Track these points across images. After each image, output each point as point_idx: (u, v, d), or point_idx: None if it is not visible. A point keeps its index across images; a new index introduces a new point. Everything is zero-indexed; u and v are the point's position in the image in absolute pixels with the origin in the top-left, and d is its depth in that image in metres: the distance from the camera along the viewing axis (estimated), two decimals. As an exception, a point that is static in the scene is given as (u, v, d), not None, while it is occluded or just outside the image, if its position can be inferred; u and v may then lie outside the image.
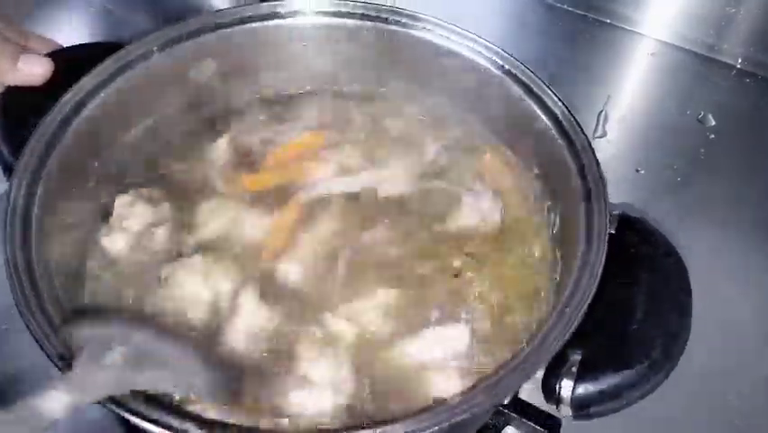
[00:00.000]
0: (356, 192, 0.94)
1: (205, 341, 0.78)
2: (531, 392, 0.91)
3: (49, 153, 0.82)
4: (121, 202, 0.89)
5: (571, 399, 0.72)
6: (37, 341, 0.67)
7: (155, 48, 0.94)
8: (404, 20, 0.98)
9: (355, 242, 0.89)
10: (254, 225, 0.90)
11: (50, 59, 0.94)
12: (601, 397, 0.72)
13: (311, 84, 1.08)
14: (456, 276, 0.85)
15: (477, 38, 0.96)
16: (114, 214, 0.88)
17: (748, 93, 1.44)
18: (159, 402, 0.66)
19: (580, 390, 0.72)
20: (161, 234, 0.88)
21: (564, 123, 0.87)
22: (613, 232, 0.79)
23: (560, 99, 0.89)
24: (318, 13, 1.01)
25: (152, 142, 0.98)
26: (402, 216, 0.93)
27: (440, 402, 0.75)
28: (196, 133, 1.01)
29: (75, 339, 0.66)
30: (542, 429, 0.88)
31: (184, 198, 0.93)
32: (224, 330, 0.80)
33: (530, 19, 1.57)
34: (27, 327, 0.68)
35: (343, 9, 1.00)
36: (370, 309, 0.82)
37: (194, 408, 0.71)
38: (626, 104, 1.42)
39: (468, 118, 1.02)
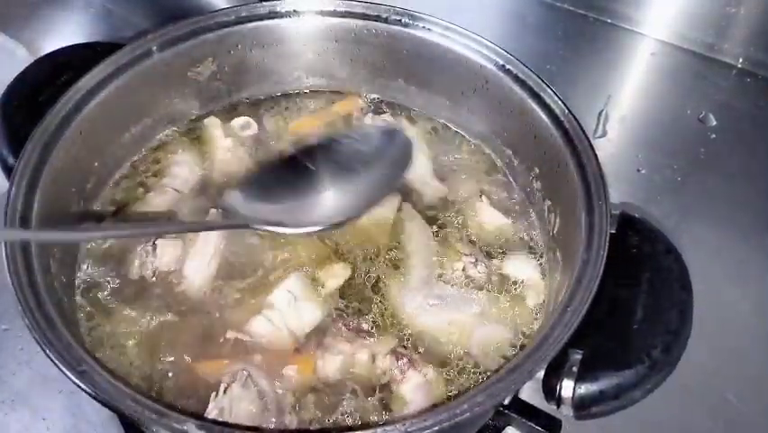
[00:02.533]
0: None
1: None
2: (531, 393, 0.91)
3: (49, 153, 0.82)
4: None
5: (572, 399, 0.72)
6: (37, 341, 0.67)
7: (155, 48, 0.94)
8: (404, 19, 0.98)
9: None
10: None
11: None
12: (602, 397, 0.72)
13: (310, 83, 1.08)
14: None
15: (477, 37, 0.95)
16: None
17: (748, 93, 1.44)
18: (158, 401, 0.66)
19: (581, 390, 0.72)
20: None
21: (565, 122, 0.87)
22: (613, 232, 0.79)
23: (560, 99, 0.89)
24: (318, 12, 1.01)
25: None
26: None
27: (441, 403, 0.75)
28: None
29: None
30: (542, 430, 0.87)
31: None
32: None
33: (530, 19, 1.57)
34: (28, 327, 0.68)
35: (343, 9, 1.00)
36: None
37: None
38: (626, 104, 1.42)
39: (468, 118, 1.02)
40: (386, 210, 0.92)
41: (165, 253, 0.86)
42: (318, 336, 0.82)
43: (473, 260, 0.89)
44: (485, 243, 0.92)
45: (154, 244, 0.86)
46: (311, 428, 0.75)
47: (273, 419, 0.74)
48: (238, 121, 1.03)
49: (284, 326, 0.81)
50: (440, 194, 0.96)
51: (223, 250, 0.88)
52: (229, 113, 1.04)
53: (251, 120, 1.04)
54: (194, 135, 1.02)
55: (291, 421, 0.74)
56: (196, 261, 0.86)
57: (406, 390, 0.78)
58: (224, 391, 0.75)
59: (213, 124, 1.02)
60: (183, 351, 0.80)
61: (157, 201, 0.93)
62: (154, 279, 0.85)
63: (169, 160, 0.98)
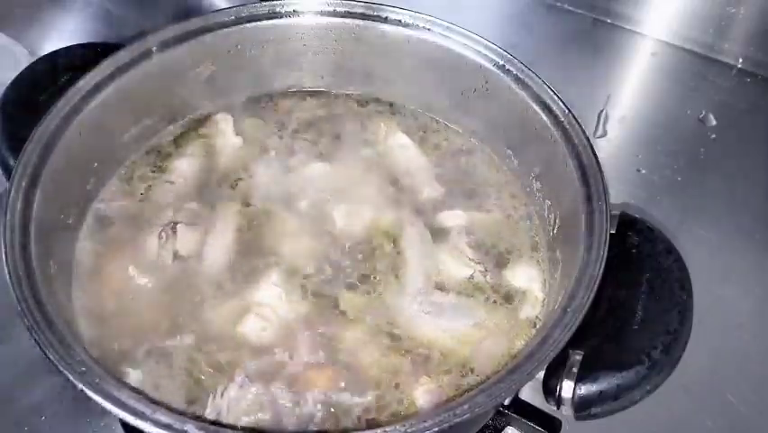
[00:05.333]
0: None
1: None
2: (532, 393, 0.91)
3: (48, 153, 0.82)
4: None
5: (572, 399, 0.72)
6: (36, 341, 0.67)
7: (155, 48, 0.94)
8: (404, 19, 0.98)
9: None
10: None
11: None
12: (602, 397, 0.72)
13: (310, 83, 1.08)
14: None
15: (477, 37, 0.95)
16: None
17: (748, 93, 1.44)
18: (158, 403, 0.66)
19: (581, 390, 0.71)
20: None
21: (565, 122, 0.87)
22: (613, 232, 0.79)
23: (560, 99, 0.89)
24: (318, 12, 1.01)
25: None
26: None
27: (441, 404, 0.75)
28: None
29: None
30: (542, 430, 0.87)
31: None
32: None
33: (530, 19, 1.57)
34: (26, 327, 0.68)
35: (343, 9, 1.00)
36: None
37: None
38: (626, 104, 1.42)
39: (468, 118, 1.02)
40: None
41: (186, 237, 0.86)
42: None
43: (483, 269, 0.88)
44: (486, 247, 0.91)
45: (174, 228, 0.86)
46: (311, 428, 0.75)
47: (270, 420, 0.74)
48: (250, 119, 1.03)
49: (276, 318, 0.81)
50: (436, 193, 0.96)
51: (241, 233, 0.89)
52: (229, 112, 1.04)
53: (261, 119, 1.04)
54: (195, 134, 1.02)
55: (289, 423, 0.74)
56: (216, 244, 0.87)
57: (417, 395, 0.77)
58: (221, 394, 0.75)
59: (224, 120, 1.02)
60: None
61: (156, 197, 0.93)
62: (173, 262, 0.86)
63: (170, 157, 0.98)
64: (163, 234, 0.86)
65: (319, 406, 0.76)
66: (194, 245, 0.87)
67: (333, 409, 0.76)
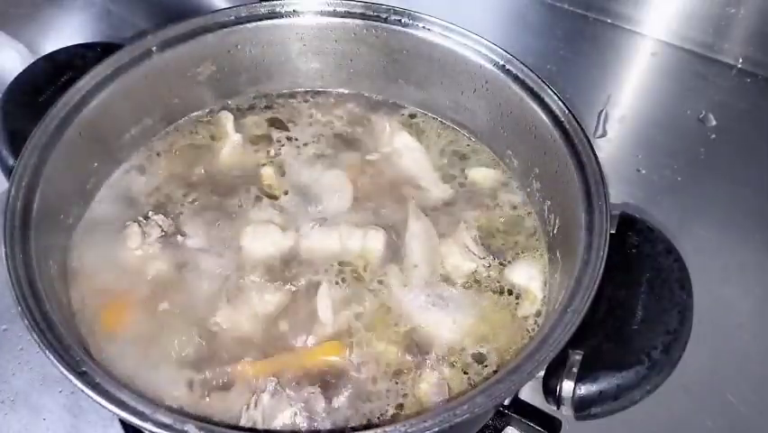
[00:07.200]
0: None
1: None
2: (532, 393, 0.91)
3: (48, 153, 0.82)
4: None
5: (572, 399, 0.72)
6: (37, 342, 0.67)
7: (155, 48, 0.94)
8: (404, 19, 0.98)
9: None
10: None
11: None
12: (602, 397, 0.72)
13: (310, 83, 1.08)
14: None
15: (477, 37, 0.95)
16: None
17: (748, 93, 1.44)
18: (158, 403, 0.66)
19: (581, 390, 0.71)
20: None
21: (565, 122, 0.87)
22: (613, 232, 0.79)
23: (560, 99, 0.89)
24: (318, 12, 1.01)
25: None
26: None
27: (441, 403, 0.75)
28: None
29: None
30: (542, 430, 0.88)
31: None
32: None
33: (530, 19, 1.57)
34: (26, 327, 0.68)
35: (343, 9, 1.00)
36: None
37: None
38: (626, 104, 1.42)
39: (468, 118, 1.02)
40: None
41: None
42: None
43: (487, 264, 0.89)
44: (489, 244, 0.92)
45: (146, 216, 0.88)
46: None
47: (306, 425, 0.74)
48: (251, 119, 1.03)
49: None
50: (443, 194, 0.96)
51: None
52: (228, 112, 1.04)
53: (261, 119, 1.04)
54: (195, 134, 1.02)
55: (324, 424, 0.75)
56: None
57: (423, 391, 0.78)
58: (255, 405, 0.74)
59: (226, 118, 1.02)
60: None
61: (155, 196, 0.94)
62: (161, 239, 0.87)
63: (169, 157, 0.98)
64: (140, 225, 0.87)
65: (349, 405, 0.77)
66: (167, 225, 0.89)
67: (359, 405, 0.77)
